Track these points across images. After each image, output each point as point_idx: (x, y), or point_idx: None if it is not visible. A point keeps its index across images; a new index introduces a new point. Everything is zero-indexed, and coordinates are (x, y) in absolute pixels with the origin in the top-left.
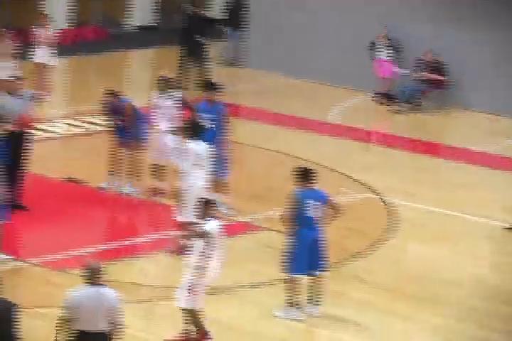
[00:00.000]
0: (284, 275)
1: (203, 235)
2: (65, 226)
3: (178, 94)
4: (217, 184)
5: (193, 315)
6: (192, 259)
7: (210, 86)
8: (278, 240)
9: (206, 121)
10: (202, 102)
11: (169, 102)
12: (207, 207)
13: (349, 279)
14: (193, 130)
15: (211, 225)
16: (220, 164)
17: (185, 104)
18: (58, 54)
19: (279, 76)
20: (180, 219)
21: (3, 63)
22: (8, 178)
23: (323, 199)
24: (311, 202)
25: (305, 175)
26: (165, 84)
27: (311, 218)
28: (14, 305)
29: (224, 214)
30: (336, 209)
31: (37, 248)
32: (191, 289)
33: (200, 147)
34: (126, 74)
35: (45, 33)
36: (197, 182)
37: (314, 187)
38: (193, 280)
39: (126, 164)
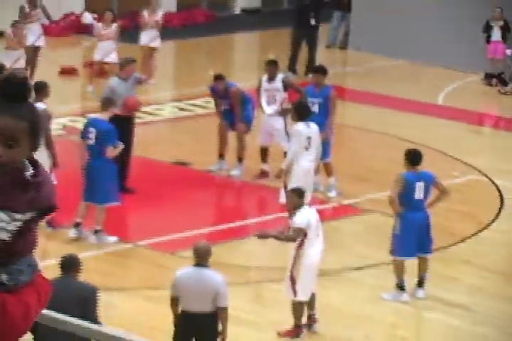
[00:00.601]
0: (391, 258)
1: (296, 236)
2: (173, 209)
3: (285, 77)
4: (323, 166)
5: (293, 306)
6: (290, 250)
7: (317, 69)
8: (384, 222)
9: (314, 105)
10: (309, 86)
11: (277, 85)
12: (298, 197)
13: (458, 263)
14: (301, 112)
15: (304, 216)
16: (324, 146)
17: (292, 87)
18: (166, 37)
19: (385, 58)
20: (285, 202)
21: (108, 45)
22: (117, 162)
23: (430, 180)
24: (419, 184)
25: (413, 157)
26: (273, 68)
27: (418, 200)
28: (94, 288)
29: (330, 197)
30: (443, 191)
31: (146, 230)
32: (291, 279)
33: (309, 129)
34: (233, 57)
35: (152, 16)
36: (305, 164)
37: (422, 169)
38: (292, 271)
39: (235, 147)
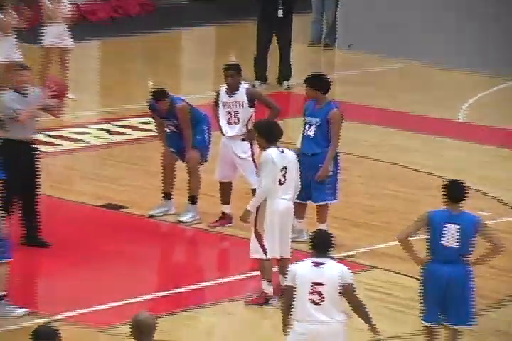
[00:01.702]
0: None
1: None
2: (102, 270)
3: (251, 87)
4: (317, 208)
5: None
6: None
7: (310, 79)
8: (388, 282)
9: (309, 128)
10: (310, 101)
11: (240, 98)
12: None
13: (491, 335)
14: (269, 132)
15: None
16: (322, 186)
17: (261, 100)
18: (87, 34)
19: (386, 59)
20: (255, 255)
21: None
22: (19, 204)
23: (472, 225)
24: (451, 227)
25: (451, 190)
26: (234, 75)
27: (447, 249)
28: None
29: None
30: (492, 242)
31: (65, 299)
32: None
33: (283, 156)
34: (180, 60)
35: (59, 7)
36: (281, 204)
37: (463, 210)
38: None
39: (186, 183)
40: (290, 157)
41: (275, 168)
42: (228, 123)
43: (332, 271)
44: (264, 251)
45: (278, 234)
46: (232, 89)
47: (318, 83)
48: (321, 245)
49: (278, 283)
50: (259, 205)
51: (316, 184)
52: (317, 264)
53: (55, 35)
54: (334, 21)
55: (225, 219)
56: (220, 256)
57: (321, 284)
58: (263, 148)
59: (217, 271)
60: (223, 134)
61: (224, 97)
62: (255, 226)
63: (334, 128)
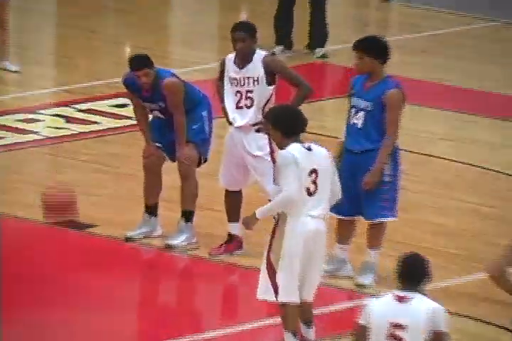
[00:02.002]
0: None
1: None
2: (57, 313)
3: (269, 55)
4: (370, 228)
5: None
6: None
7: (363, 43)
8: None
9: (356, 113)
10: (356, 77)
11: (253, 72)
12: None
13: None
14: (289, 122)
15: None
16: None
17: (283, 74)
18: None
19: (466, 16)
20: (265, 297)
21: None
22: None
23: None
24: None
25: None
26: (246, 38)
27: None
28: None
29: (362, 285)
30: None
31: None
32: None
33: (311, 156)
34: (169, 18)
35: None
36: (308, 224)
37: None
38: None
39: (177, 193)
40: (321, 156)
41: (299, 171)
42: (238, 107)
43: (420, 310)
44: (276, 292)
45: (300, 268)
46: (244, 59)
47: (375, 49)
48: (410, 274)
49: (301, 335)
50: (277, 224)
51: (369, 193)
52: (401, 299)
53: None
54: None
55: (232, 243)
56: (226, 296)
57: (401, 326)
58: (280, 145)
59: (222, 317)
60: (230, 123)
61: (232, 70)
62: (268, 253)
63: (392, 114)
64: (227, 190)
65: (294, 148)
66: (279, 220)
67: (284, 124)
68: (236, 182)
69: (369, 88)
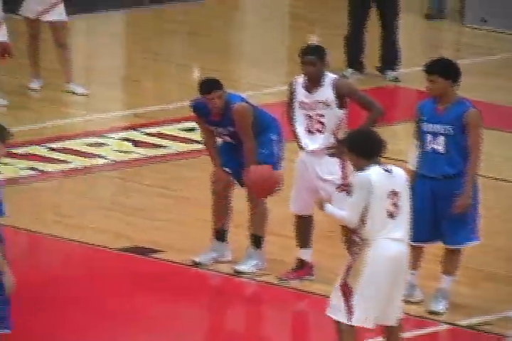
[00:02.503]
0: None
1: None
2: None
3: (340, 79)
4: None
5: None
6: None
7: (436, 65)
8: None
9: (434, 139)
10: (425, 101)
11: (323, 96)
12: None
13: None
14: (367, 146)
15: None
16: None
17: (355, 99)
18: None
19: None
20: (335, 316)
21: None
22: None
23: None
24: None
25: None
26: (316, 62)
27: None
28: None
29: (435, 312)
30: None
31: None
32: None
33: (391, 178)
34: (237, 39)
35: None
36: (390, 248)
37: None
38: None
39: (245, 218)
40: (401, 178)
41: (378, 194)
42: (309, 131)
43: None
44: (350, 314)
45: (384, 293)
46: (313, 83)
47: (448, 71)
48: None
49: None
50: (358, 246)
51: (453, 220)
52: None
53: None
54: None
55: (302, 268)
56: (295, 323)
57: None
58: (357, 167)
59: None
60: (301, 147)
61: (301, 95)
62: (346, 275)
63: (475, 134)
64: (297, 216)
65: (373, 171)
66: (359, 243)
67: (359, 147)
68: (307, 207)
69: (443, 111)
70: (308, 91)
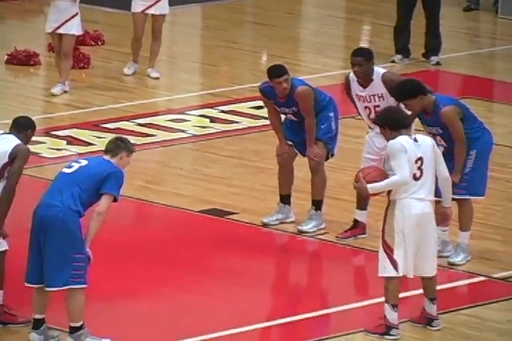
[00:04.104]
0: None
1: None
2: (206, 291)
3: (388, 72)
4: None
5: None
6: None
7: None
8: None
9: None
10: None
11: (377, 90)
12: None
13: None
14: (396, 118)
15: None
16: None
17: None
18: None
19: None
20: (385, 274)
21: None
22: None
23: None
24: None
25: None
26: (363, 63)
27: None
28: None
29: (455, 263)
30: None
31: (160, 327)
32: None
33: (417, 146)
34: (301, 30)
35: None
36: (415, 206)
37: None
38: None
39: (307, 185)
40: (426, 145)
41: (406, 159)
42: (370, 119)
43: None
44: (396, 268)
45: (413, 246)
46: (364, 80)
47: (417, 91)
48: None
49: (423, 309)
50: (387, 209)
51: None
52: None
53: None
54: None
55: (357, 228)
56: (353, 275)
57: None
58: (390, 139)
59: (349, 294)
60: (369, 127)
61: (356, 89)
62: (383, 236)
63: (453, 131)
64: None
65: (402, 139)
66: (388, 205)
67: (388, 122)
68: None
69: (429, 115)
70: (362, 87)
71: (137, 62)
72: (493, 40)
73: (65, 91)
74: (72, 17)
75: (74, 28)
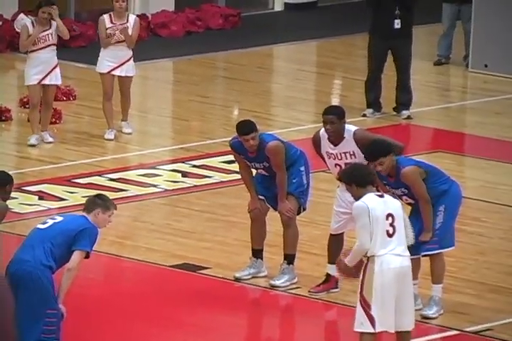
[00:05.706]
0: None
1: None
2: None
3: (359, 131)
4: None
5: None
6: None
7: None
8: None
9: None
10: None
11: (347, 147)
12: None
13: None
14: (361, 175)
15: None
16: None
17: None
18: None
19: None
20: (361, 329)
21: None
22: None
23: None
24: None
25: None
26: (335, 121)
27: None
28: None
29: (428, 316)
30: None
31: None
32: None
33: (383, 202)
34: (272, 85)
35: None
36: (391, 262)
37: None
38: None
39: (279, 239)
40: (394, 202)
41: (374, 217)
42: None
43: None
44: (373, 324)
45: (391, 301)
46: (336, 138)
47: (381, 152)
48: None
49: None
50: (366, 265)
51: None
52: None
53: (117, 60)
54: (468, 35)
55: (330, 282)
56: (325, 330)
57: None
58: (357, 197)
59: None
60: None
61: (327, 147)
62: (361, 291)
63: (415, 190)
64: (332, 235)
65: (368, 198)
66: (368, 261)
67: (354, 179)
68: (342, 227)
69: (392, 178)
70: (333, 145)
71: (114, 128)
72: (463, 93)
73: (50, 142)
74: (54, 67)
75: (58, 78)
